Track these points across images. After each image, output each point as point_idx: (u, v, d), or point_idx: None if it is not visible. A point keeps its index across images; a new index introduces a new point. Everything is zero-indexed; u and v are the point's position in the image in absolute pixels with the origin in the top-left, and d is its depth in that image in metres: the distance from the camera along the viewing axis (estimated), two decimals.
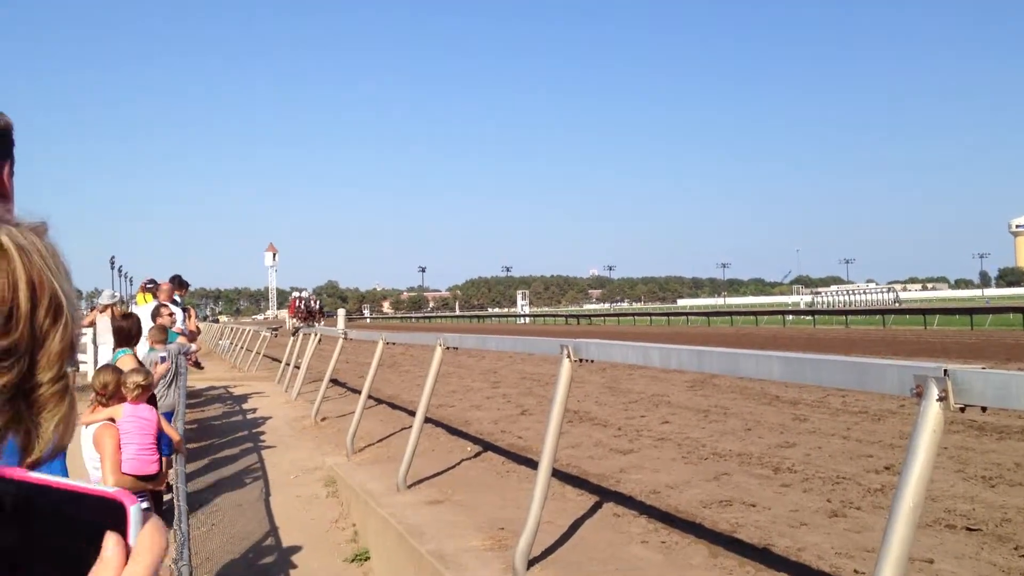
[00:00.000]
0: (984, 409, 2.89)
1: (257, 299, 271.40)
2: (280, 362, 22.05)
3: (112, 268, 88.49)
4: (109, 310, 13.48)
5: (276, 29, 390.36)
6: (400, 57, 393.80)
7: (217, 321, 79.54)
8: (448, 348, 7.95)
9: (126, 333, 7.36)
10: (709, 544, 5.67)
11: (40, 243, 0.72)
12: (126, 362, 6.75)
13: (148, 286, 12.66)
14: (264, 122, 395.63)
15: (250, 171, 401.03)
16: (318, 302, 68.01)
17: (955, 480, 7.06)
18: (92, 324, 15.25)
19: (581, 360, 5.47)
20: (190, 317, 12.95)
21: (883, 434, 9.41)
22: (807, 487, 7.13)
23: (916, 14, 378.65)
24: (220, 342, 39.54)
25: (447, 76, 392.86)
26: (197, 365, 14.67)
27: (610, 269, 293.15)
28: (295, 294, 69.20)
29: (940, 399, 2.88)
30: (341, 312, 47.26)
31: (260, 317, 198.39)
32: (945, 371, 2.89)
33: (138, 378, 5.87)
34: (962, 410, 2.89)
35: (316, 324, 52.20)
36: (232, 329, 40.37)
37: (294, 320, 57.92)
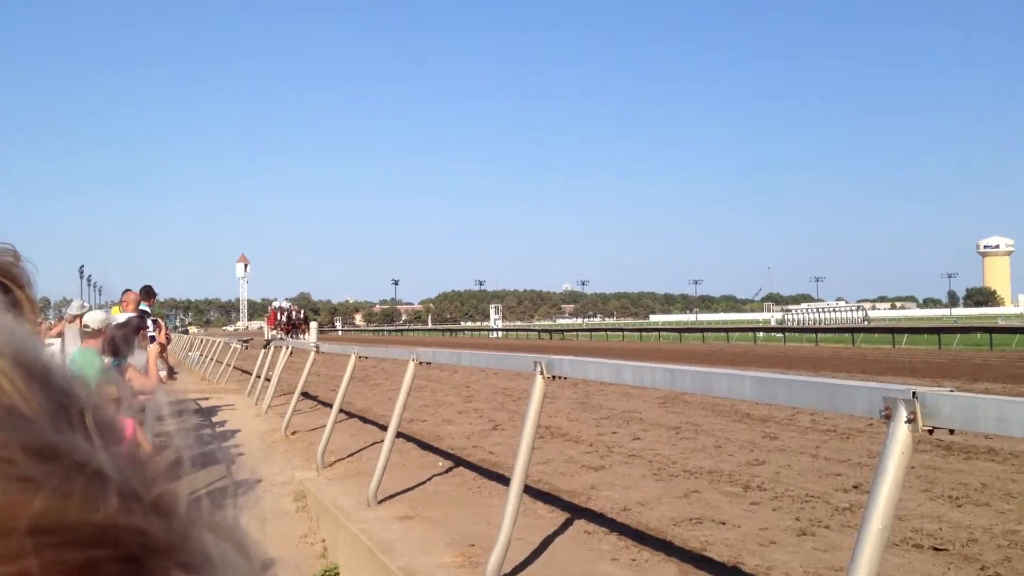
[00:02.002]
0: (952, 431, 2.93)
1: (228, 310, 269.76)
2: (251, 375, 21.89)
3: (81, 278, 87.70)
4: (78, 320, 13.35)
5: (245, 38, 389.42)
6: (373, 68, 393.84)
7: (187, 332, 78.05)
8: (421, 363, 7.94)
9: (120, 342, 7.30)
10: (679, 562, 5.69)
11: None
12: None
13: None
14: (236, 131, 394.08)
15: (222, 181, 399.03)
16: (302, 312, 63.38)
17: (922, 500, 7.13)
18: (60, 334, 15.08)
19: (554, 377, 5.48)
20: (160, 329, 12.84)
21: (852, 453, 9.48)
22: (776, 505, 7.17)
23: (884, 35, 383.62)
24: (190, 353, 39.20)
25: (421, 88, 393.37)
26: (170, 374, 14.55)
27: (583, 284, 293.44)
28: (275, 304, 64.32)
29: (909, 421, 2.91)
30: (313, 325, 47.03)
31: (231, 328, 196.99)
32: (914, 393, 2.93)
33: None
34: (930, 432, 2.93)
35: (302, 337, 49.48)
36: (202, 340, 40.04)
37: (274, 332, 53.97)
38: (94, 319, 7.33)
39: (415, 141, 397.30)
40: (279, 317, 58.83)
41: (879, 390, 3.13)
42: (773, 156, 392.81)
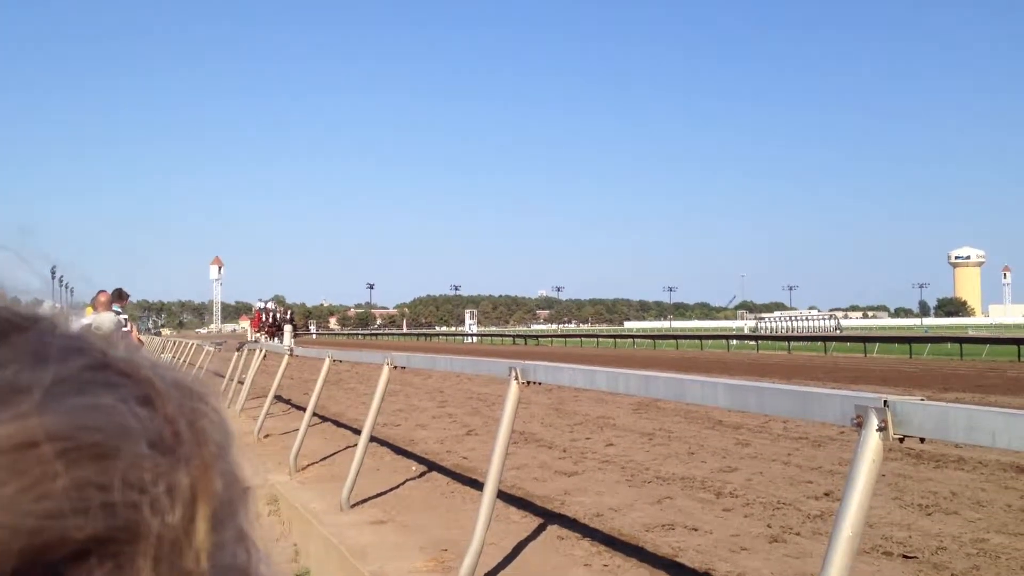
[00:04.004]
0: (923, 440, 2.97)
1: (201, 312, 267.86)
2: (223, 377, 21.76)
3: (53, 278, 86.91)
4: None
5: (221, 43, 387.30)
6: (349, 73, 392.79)
7: (159, 334, 77.17)
8: (396, 367, 7.92)
9: None
10: (651, 568, 5.71)
11: None
12: None
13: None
14: (211, 133, 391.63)
15: (196, 182, 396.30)
16: (289, 313, 60.17)
17: (892, 507, 7.19)
18: None
19: (529, 382, 5.49)
20: (132, 330, 12.74)
21: (823, 460, 9.56)
22: (748, 512, 7.21)
23: (858, 47, 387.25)
24: (162, 356, 38.88)
25: (397, 92, 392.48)
26: None
27: (559, 290, 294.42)
28: (259, 304, 61.52)
29: (880, 429, 2.94)
30: (287, 328, 46.62)
31: (204, 331, 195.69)
32: (885, 402, 2.96)
33: None
34: (901, 440, 2.96)
35: (292, 339, 47.43)
36: (175, 343, 39.77)
37: (259, 335, 51.18)
38: (105, 323, 7.23)
39: (391, 146, 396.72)
40: (264, 319, 56.43)
41: (851, 398, 3.17)
42: (748, 165, 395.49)
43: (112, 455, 0.35)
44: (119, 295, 12.75)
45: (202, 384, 0.42)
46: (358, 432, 9.21)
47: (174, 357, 34.30)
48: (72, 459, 0.34)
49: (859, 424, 3.01)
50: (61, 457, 0.34)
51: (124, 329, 10.88)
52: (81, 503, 0.34)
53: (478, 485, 7.80)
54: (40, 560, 0.33)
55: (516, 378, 5.47)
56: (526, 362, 5.57)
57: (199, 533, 0.37)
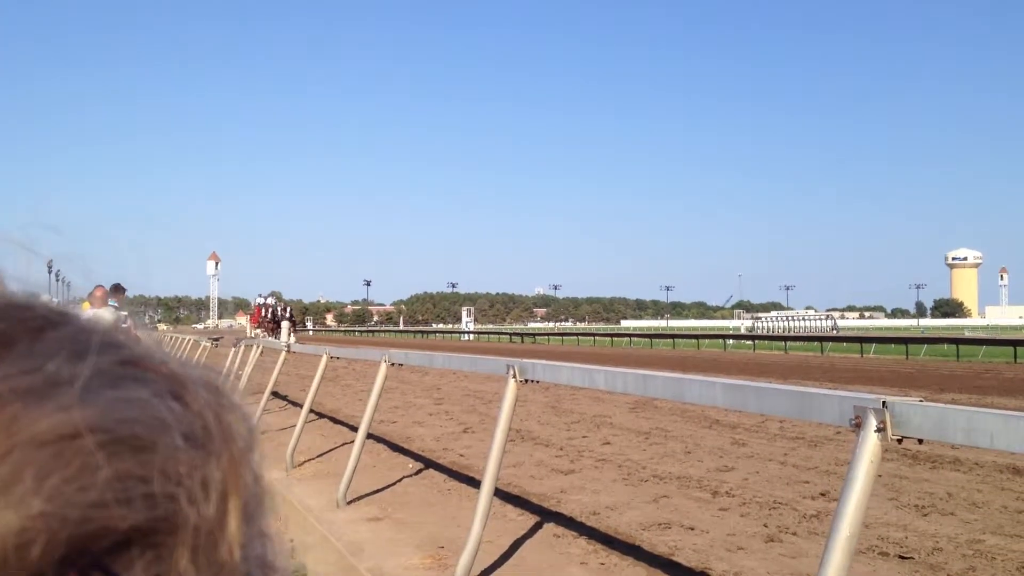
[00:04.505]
0: (921, 441, 2.97)
1: (198, 308, 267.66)
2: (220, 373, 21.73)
3: (50, 272, 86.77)
4: None
5: (219, 39, 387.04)
6: (347, 69, 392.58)
7: (155, 329, 76.80)
8: (393, 364, 7.92)
9: None
10: (648, 567, 5.71)
11: None
12: None
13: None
14: (209, 129, 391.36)
15: (194, 178, 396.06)
16: (288, 310, 57.61)
17: (888, 508, 7.20)
18: None
19: (527, 380, 5.49)
20: (130, 326, 12.71)
21: (819, 460, 9.56)
22: (744, 511, 7.22)
23: (854, 47, 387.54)
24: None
25: (394, 89, 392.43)
26: None
27: (555, 288, 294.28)
28: (259, 300, 58.96)
29: (878, 430, 2.94)
30: (285, 325, 46.38)
31: (201, 326, 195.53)
32: (884, 403, 2.96)
33: None
34: (899, 442, 2.96)
35: (290, 337, 44.45)
36: (171, 338, 39.74)
37: (258, 331, 49.70)
38: (105, 318, 7.20)
39: (389, 142, 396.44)
40: (264, 314, 54.97)
41: (849, 399, 3.16)
42: (746, 165, 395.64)
43: (150, 447, 0.36)
44: (116, 290, 12.71)
45: (227, 382, 0.43)
46: (355, 429, 9.21)
47: (170, 353, 34.27)
48: (113, 451, 0.35)
49: (858, 425, 3.01)
50: (102, 448, 0.35)
51: (124, 325, 10.84)
52: (123, 494, 0.35)
53: (475, 483, 7.81)
54: (85, 550, 0.34)
55: (514, 376, 5.47)
56: (524, 360, 5.57)
57: (231, 525, 0.38)
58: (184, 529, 0.36)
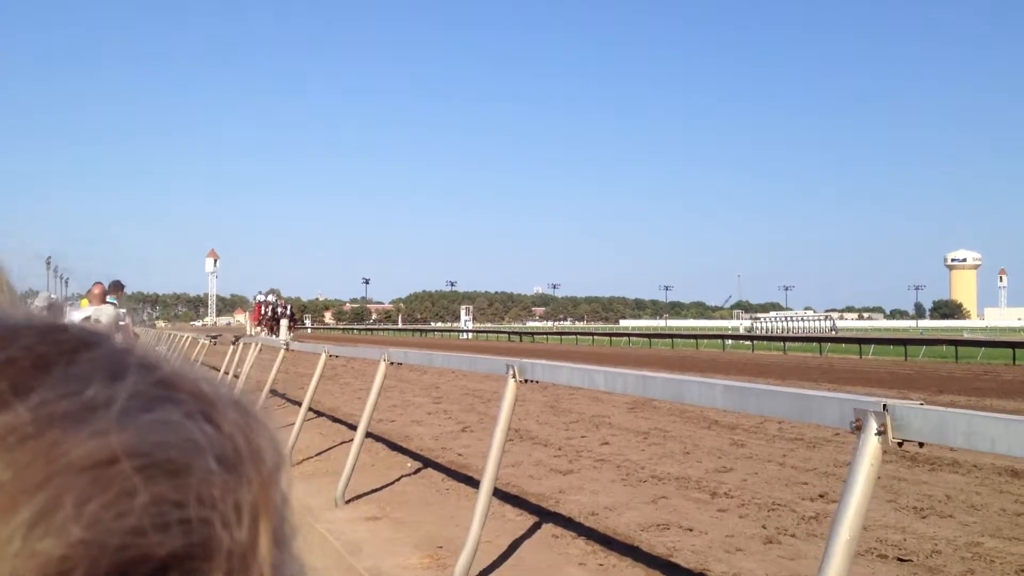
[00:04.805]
0: (921, 445, 2.96)
1: (196, 305, 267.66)
2: (218, 371, 21.75)
3: (48, 268, 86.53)
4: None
5: (218, 37, 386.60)
6: (346, 68, 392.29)
7: (154, 326, 76.65)
8: (393, 363, 7.92)
9: None
10: (646, 568, 5.71)
11: None
12: None
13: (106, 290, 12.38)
14: (208, 127, 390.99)
15: (192, 175, 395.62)
16: (289, 308, 57.43)
17: (887, 510, 7.20)
18: None
19: (526, 380, 5.49)
20: (128, 323, 12.70)
21: (818, 461, 9.56)
22: (743, 512, 7.22)
23: (854, 48, 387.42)
24: (156, 348, 38.84)
25: (395, 89, 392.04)
26: None
27: (554, 287, 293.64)
28: (259, 297, 58.48)
29: (879, 434, 2.94)
30: (284, 322, 46.35)
31: (199, 324, 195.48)
32: (884, 406, 2.95)
33: None
34: (900, 445, 2.96)
35: (289, 335, 44.73)
36: (170, 335, 39.72)
37: (258, 329, 49.51)
38: (105, 315, 7.12)
39: (388, 141, 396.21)
40: (264, 311, 54.39)
41: (850, 402, 3.16)
42: (746, 165, 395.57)
43: (185, 472, 0.36)
44: (115, 287, 12.69)
45: (255, 402, 0.43)
46: (353, 428, 9.21)
47: (169, 350, 34.27)
48: (149, 475, 0.35)
49: (858, 428, 3.00)
50: (139, 473, 0.34)
51: (123, 322, 10.85)
52: (160, 519, 0.34)
53: (473, 482, 7.81)
54: None
55: (514, 376, 5.46)
56: (524, 360, 5.57)
57: (263, 549, 0.38)
58: (218, 554, 0.35)
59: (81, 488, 0.33)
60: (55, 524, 0.33)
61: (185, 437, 0.36)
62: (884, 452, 3.00)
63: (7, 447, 0.33)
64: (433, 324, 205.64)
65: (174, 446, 0.36)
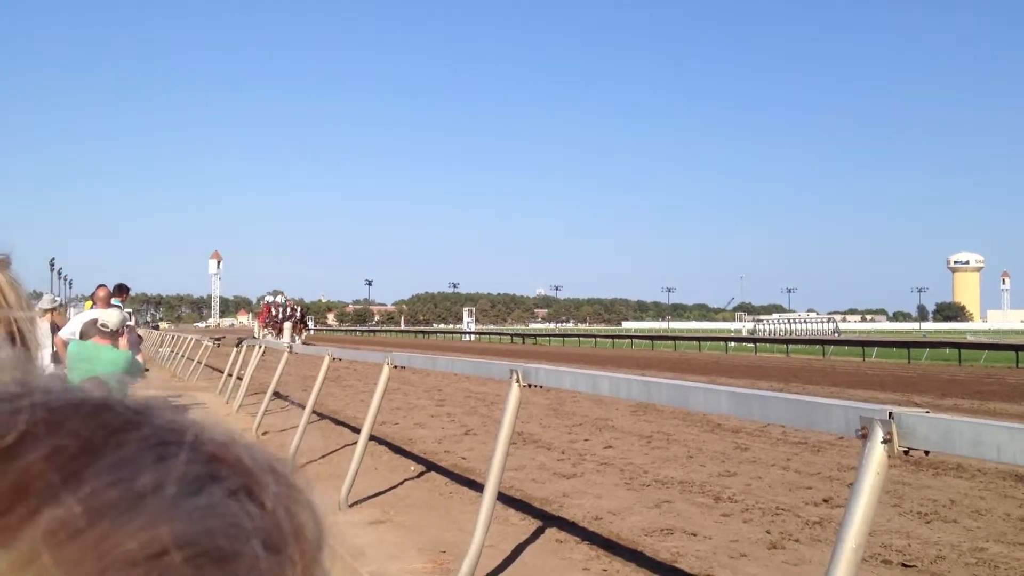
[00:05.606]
0: (927, 452, 2.95)
1: (199, 307, 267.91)
2: (222, 373, 21.75)
3: (52, 270, 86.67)
4: (49, 315, 13.20)
5: (221, 38, 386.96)
6: (348, 69, 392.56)
7: (157, 328, 76.65)
8: (396, 367, 7.91)
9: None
10: (650, 573, 5.71)
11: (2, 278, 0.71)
12: None
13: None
14: (211, 128, 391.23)
15: (195, 177, 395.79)
16: (298, 309, 56.07)
17: (892, 515, 7.18)
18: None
19: (530, 385, 5.48)
20: (133, 325, 12.72)
21: (822, 466, 9.55)
22: (747, 517, 7.21)
23: (856, 49, 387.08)
24: (160, 349, 38.87)
25: (397, 91, 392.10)
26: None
27: (557, 289, 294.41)
28: (268, 298, 57.00)
29: (885, 441, 2.93)
30: (287, 325, 46.30)
31: (202, 325, 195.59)
32: (890, 414, 2.95)
33: None
34: (906, 453, 2.95)
35: (298, 338, 44.48)
36: (173, 337, 39.69)
37: (266, 331, 48.58)
38: (112, 318, 7.09)
39: (391, 143, 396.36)
40: (272, 312, 53.31)
41: (856, 409, 3.15)
42: (749, 167, 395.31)
43: (232, 558, 0.36)
44: (120, 289, 12.71)
45: (292, 467, 0.43)
46: (356, 430, 9.20)
47: (172, 351, 34.28)
48: (198, 565, 0.35)
49: (864, 436, 3.00)
50: (188, 564, 0.34)
51: (129, 324, 10.85)
52: None
53: (476, 486, 7.80)
54: None
55: (517, 380, 5.46)
56: (528, 364, 5.57)
57: None
58: None
59: None
60: None
61: (231, 522, 0.36)
62: (889, 459, 2.99)
63: (58, 543, 0.33)
64: (436, 326, 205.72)
65: (221, 532, 0.36)
